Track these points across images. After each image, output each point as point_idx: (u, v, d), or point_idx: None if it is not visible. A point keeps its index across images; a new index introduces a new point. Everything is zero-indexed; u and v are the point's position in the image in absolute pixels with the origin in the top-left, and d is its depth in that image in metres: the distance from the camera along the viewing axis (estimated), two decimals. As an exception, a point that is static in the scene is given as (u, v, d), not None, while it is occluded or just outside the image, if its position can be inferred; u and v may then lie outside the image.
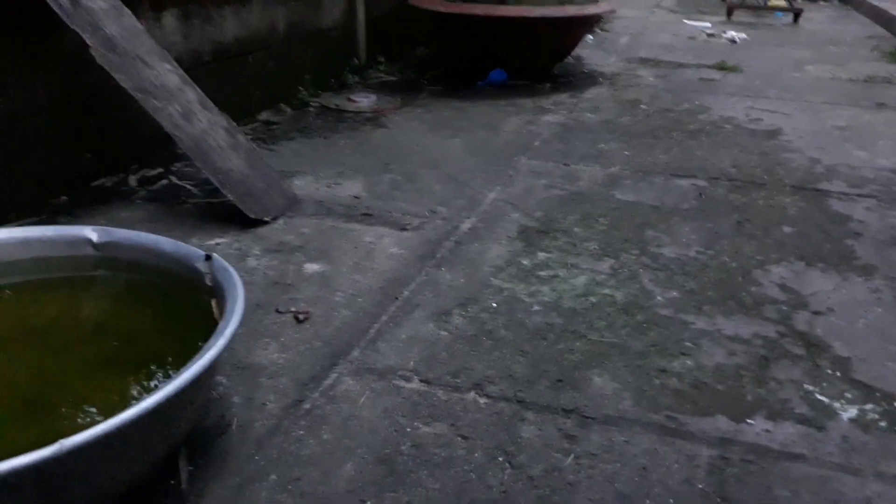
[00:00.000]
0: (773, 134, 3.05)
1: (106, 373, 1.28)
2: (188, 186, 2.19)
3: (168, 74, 2.03)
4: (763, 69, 4.35)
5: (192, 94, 2.05)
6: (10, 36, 1.85)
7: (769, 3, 6.71)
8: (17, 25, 1.86)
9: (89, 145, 2.11)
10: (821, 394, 1.38)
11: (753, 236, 2.07)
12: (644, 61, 4.51)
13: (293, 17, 3.12)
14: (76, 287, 1.42)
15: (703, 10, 6.97)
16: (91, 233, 1.40)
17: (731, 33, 5.44)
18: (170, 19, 2.41)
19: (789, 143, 2.92)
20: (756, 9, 6.63)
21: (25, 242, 1.41)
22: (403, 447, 1.20)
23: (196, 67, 2.47)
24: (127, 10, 2.04)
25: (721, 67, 4.30)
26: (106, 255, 1.41)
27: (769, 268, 1.88)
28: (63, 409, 1.17)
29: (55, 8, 1.83)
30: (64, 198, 2.02)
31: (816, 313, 1.67)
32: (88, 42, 1.85)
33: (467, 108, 3.30)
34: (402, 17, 3.87)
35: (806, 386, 1.40)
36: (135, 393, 1.22)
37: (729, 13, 6.43)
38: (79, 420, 1.15)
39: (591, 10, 3.67)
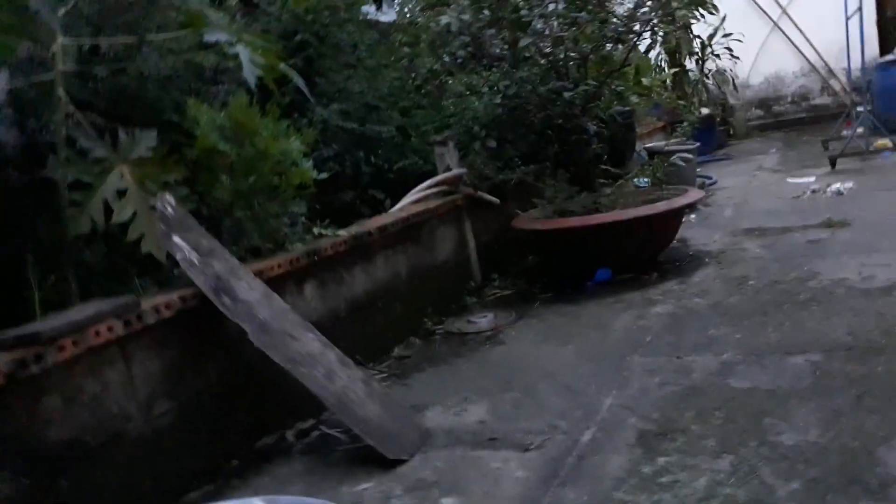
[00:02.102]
0: (889, 290, 3.04)
1: None
2: (336, 434, 2.48)
3: (311, 342, 2.40)
4: (873, 219, 4.34)
5: (332, 356, 2.41)
6: (186, 333, 2.30)
7: (874, 146, 6.72)
8: (189, 325, 2.30)
9: (252, 412, 2.48)
10: (959, 582, 1.36)
11: (875, 410, 2.07)
12: (749, 232, 4.62)
13: (413, 260, 3.55)
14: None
15: (807, 163, 7.05)
16: (260, 503, 1.68)
17: (837, 185, 5.48)
18: (310, 290, 2.86)
19: (907, 299, 2.90)
20: (860, 154, 6.64)
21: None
22: None
23: (334, 323, 2.87)
24: (275, 295, 2.48)
25: (828, 225, 4.34)
26: (274, 522, 1.67)
27: (894, 443, 1.87)
28: None
29: (219, 307, 2.28)
30: (235, 461, 2.35)
31: (948, 490, 1.65)
32: (247, 329, 2.26)
33: (578, 311, 3.52)
34: (510, 235, 4.26)
35: (941, 574, 1.39)
36: None
37: (832, 164, 6.48)
38: None
39: (681, 201, 3.91)
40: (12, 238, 2.82)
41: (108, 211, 2.35)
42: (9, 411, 1.74)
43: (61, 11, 2.47)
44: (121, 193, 2.39)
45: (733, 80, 9.87)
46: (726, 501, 1.75)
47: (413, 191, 3.77)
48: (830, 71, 10.37)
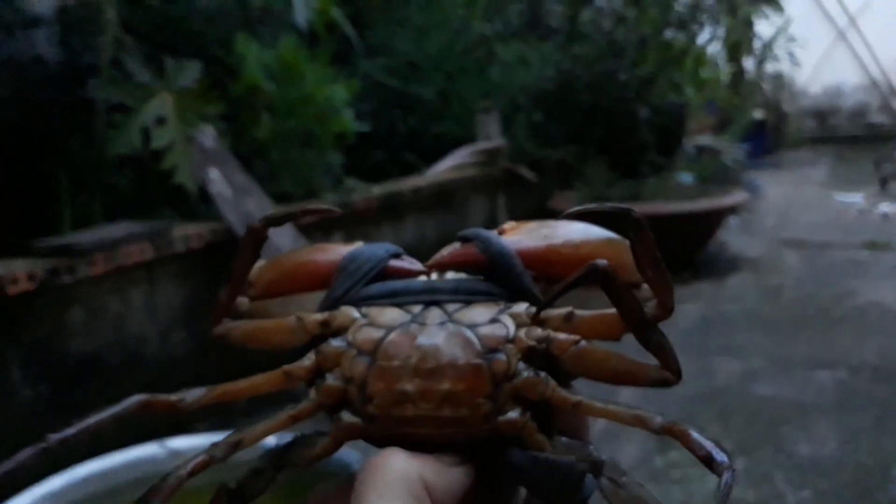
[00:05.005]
0: (927, 317, 2.95)
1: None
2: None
3: (333, 291, 2.39)
4: (919, 244, 4.21)
5: (351, 307, 2.39)
6: (210, 267, 2.29)
7: (929, 171, 6.50)
8: (214, 259, 2.29)
9: (264, 354, 2.48)
10: None
11: (894, 432, 2.00)
12: (788, 243, 4.51)
13: (442, 227, 3.51)
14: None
15: (855, 181, 6.86)
16: (271, 439, 1.67)
17: (884, 207, 5.32)
18: (337, 239, 2.84)
19: (945, 327, 2.81)
20: (914, 177, 6.43)
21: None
22: None
23: (357, 278, 2.86)
24: (304, 240, 2.46)
25: (871, 246, 4.21)
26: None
27: (913, 468, 1.82)
28: None
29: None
30: (242, 401, 2.36)
31: (967, 522, 1.59)
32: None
33: (604, 299, 3.47)
34: (543, 215, 4.19)
35: None
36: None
37: (882, 185, 6.29)
38: None
39: (725, 202, 3.82)
40: (47, 154, 2.84)
41: (144, 138, 2.35)
42: (36, 318, 1.75)
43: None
44: (159, 121, 2.38)
45: (790, 86, 9.61)
46: (735, 502, 1.71)
47: (450, 155, 3.72)
48: (893, 89, 10.05)
